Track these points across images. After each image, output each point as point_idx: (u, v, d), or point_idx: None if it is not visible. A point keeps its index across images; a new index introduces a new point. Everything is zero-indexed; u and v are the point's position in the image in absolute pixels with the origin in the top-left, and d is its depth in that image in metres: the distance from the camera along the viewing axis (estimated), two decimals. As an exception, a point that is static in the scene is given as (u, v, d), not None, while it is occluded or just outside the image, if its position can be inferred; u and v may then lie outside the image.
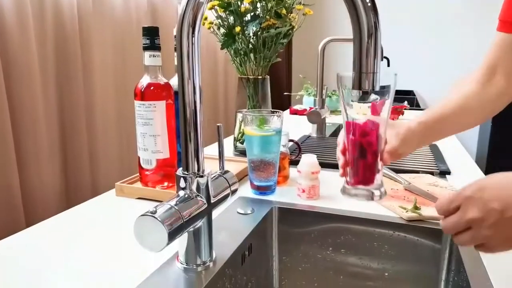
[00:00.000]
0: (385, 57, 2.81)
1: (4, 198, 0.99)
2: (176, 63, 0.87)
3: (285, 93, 2.42)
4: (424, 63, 3.27)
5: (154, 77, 0.77)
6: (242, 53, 1.02)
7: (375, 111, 2.07)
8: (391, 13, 3.25)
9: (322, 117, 1.38)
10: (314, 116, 1.35)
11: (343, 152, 0.61)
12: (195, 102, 0.50)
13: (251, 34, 0.99)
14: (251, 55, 1.03)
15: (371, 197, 0.57)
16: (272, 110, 0.83)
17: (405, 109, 1.89)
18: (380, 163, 0.57)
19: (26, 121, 1.05)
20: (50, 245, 0.61)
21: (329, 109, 1.53)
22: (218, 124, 0.59)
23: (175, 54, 0.87)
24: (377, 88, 0.43)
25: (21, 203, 1.02)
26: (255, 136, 0.78)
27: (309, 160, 0.79)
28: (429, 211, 0.71)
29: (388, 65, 2.81)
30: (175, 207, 0.47)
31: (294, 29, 1.03)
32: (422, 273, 0.69)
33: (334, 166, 0.98)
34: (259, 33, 0.98)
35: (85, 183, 1.21)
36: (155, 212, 0.45)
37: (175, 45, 0.87)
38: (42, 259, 0.57)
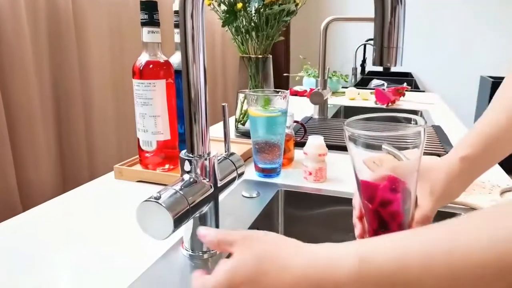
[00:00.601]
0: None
1: (1, 193, 0.95)
2: (176, 40, 0.84)
3: (285, 74, 2.37)
4: (421, 45, 3.22)
5: (153, 55, 0.73)
6: (243, 31, 0.98)
7: (381, 98, 2.02)
8: None
9: (324, 98, 1.34)
10: (316, 97, 1.32)
11: (360, 218, 0.49)
12: (200, 82, 0.46)
13: (253, 11, 0.95)
14: (253, 33, 0.99)
15: None
16: (277, 90, 0.80)
17: (406, 90, 1.86)
18: None
19: (20, 113, 1.00)
20: (47, 230, 0.59)
21: (331, 90, 1.49)
22: (223, 104, 0.56)
23: (175, 31, 0.83)
24: (400, 64, 0.40)
25: (18, 199, 0.98)
26: (260, 117, 0.75)
27: (316, 141, 0.76)
28: (440, 194, 0.69)
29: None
30: (180, 191, 0.44)
31: (298, 6, 0.98)
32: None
33: (339, 148, 0.96)
34: (261, 10, 0.94)
35: (83, 176, 1.17)
36: (159, 197, 0.42)
37: (175, 21, 0.83)
38: (38, 244, 0.54)
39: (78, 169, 1.16)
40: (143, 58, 0.73)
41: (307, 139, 0.77)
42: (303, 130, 0.96)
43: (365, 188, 0.44)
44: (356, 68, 2.86)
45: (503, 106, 0.49)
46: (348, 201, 0.72)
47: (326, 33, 1.30)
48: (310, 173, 0.77)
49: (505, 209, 0.28)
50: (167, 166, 0.79)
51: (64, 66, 1.12)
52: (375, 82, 2.48)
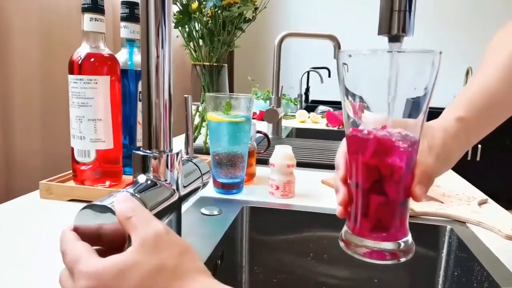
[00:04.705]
0: (326, 68, 2.86)
1: None
2: (123, 35, 0.73)
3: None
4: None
5: (95, 47, 0.62)
6: (198, 35, 0.90)
7: (333, 120, 2.02)
8: (334, 27, 3.32)
9: (279, 117, 1.28)
10: (271, 115, 1.25)
11: (345, 181, 0.39)
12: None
13: (209, 9, 0.87)
14: (208, 38, 0.91)
15: (392, 255, 0.36)
16: (238, 94, 0.71)
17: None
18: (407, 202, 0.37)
19: None
20: None
21: (284, 109, 1.45)
22: (185, 95, 0.46)
23: (122, 24, 0.73)
24: (410, 34, 0.33)
25: None
26: (222, 123, 0.66)
27: (283, 151, 0.68)
28: (422, 206, 0.63)
29: (329, 76, 2.85)
30: (137, 195, 0.33)
31: (258, 11, 0.93)
32: (417, 279, 0.61)
33: (302, 165, 0.89)
34: (219, 11, 0.86)
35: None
36: (108, 201, 0.31)
37: (122, 13, 0.72)
38: None
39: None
40: (83, 50, 0.61)
41: (270, 153, 0.69)
42: (266, 143, 0.87)
43: (358, 138, 0.36)
44: (302, 95, 2.89)
45: (503, 65, 0.44)
46: (322, 218, 0.64)
47: (280, 47, 1.26)
48: (277, 187, 0.68)
49: None
50: (107, 183, 0.66)
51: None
52: (321, 108, 2.50)
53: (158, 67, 0.37)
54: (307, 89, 3.13)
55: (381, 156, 0.35)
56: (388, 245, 0.36)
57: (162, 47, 0.36)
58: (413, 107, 0.33)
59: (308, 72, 3.00)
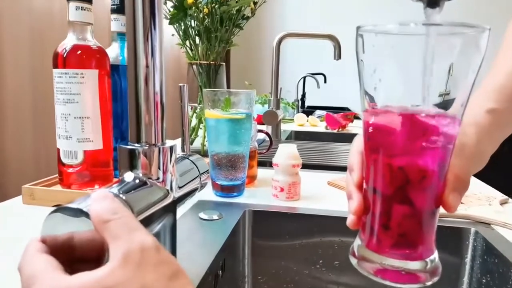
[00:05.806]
0: (322, 74, 2.82)
1: None
2: (113, 28, 0.68)
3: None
4: (354, 81, 3.32)
5: (82, 38, 0.57)
6: (195, 32, 0.85)
7: (332, 122, 1.96)
8: (333, 26, 3.29)
9: (278, 119, 1.24)
10: (270, 117, 1.21)
11: (359, 185, 0.33)
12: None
13: (205, 9, 0.82)
14: (204, 36, 0.86)
15: (415, 277, 0.30)
16: (237, 90, 0.66)
17: (355, 116, 1.83)
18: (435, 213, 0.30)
19: None
20: None
21: (283, 112, 1.40)
22: (180, 84, 0.41)
23: (112, 17, 0.68)
24: (450, -5, 0.28)
25: None
26: (221, 120, 0.60)
27: (288, 150, 0.62)
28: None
29: (325, 82, 2.81)
30: (122, 196, 0.28)
31: (257, 6, 0.88)
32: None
33: (306, 166, 0.84)
34: (216, 6, 0.81)
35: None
36: (84, 204, 0.26)
37: (113, 4, 0.67)
38: None
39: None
40: (69, 41, 0.56)
41: (272, 155, 0.64)
42: (267, 146, 0.82)
43: (380, 129, 0.29)
44: (298, 100, 2.84)
45: None
46: (331, 221, 0.59)
47: (279, 49, 1.22)
48: (282, 189, 0.63)
49: None
50: (96, 187, 0.61)
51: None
52: (318, 112, 2.46)
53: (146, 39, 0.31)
54: (303, 95, 3.09)
55: (410, 155, 0.28)
56: (414, 265, 0.30)
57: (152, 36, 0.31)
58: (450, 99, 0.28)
59: (304, 78, 2.96)
